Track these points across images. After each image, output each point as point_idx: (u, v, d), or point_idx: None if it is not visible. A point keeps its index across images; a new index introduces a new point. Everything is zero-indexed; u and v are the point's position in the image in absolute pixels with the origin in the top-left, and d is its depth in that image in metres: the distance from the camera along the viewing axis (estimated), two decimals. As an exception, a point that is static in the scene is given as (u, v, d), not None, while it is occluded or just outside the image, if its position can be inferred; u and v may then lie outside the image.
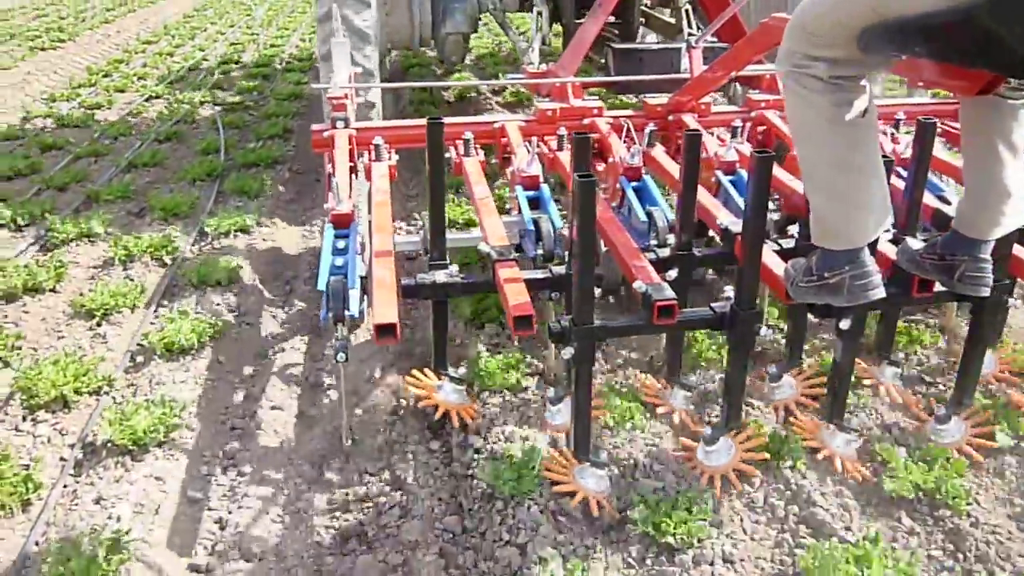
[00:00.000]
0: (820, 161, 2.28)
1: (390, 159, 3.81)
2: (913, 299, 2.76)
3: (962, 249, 2.48)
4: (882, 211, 2.32)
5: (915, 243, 2.71)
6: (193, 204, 5.47)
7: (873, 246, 2.47)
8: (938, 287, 2.71)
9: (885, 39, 2.04)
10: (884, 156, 2.39)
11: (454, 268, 2.93)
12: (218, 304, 4.11)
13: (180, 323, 3.77)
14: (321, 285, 2.85)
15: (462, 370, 3.14)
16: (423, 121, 2.88)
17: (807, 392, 3.19)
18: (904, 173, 3.14)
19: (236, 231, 4.99)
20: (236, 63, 10.84)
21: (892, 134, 3.87)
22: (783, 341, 3.42)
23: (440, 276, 2.83)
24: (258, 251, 4.80)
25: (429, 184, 2.85)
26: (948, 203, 3.33)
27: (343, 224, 3.17)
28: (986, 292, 2.50)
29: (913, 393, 3.26)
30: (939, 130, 3.89)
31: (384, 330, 2.40)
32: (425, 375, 3.13)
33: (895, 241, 2.86)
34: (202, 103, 8.52)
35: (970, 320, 2.91)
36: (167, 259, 4.64)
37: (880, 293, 2.34)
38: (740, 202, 3.34)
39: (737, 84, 5.09)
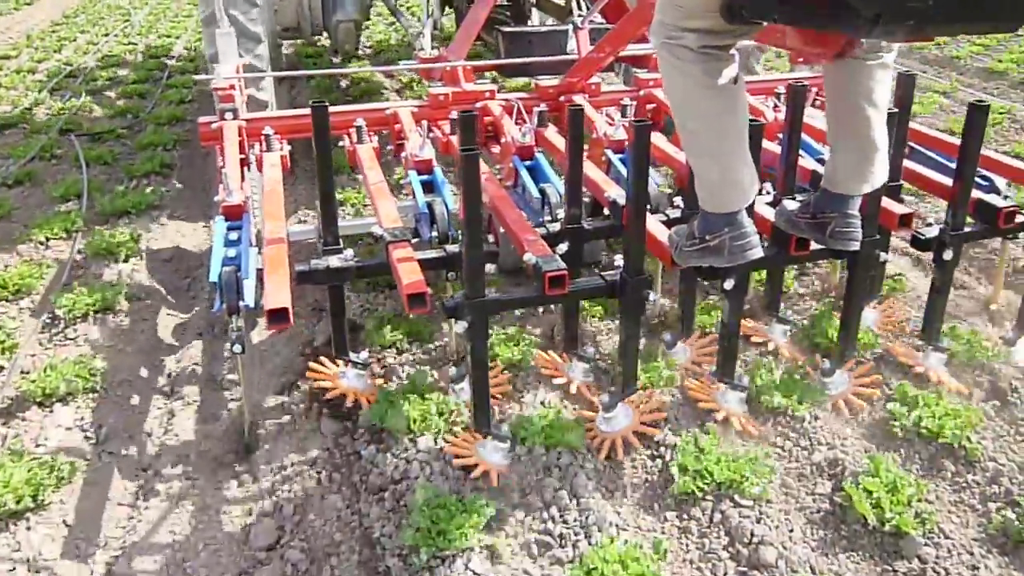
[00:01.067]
0: (697, 127, 2.37)
1: (282, 149, 3.77)
2: (792, 257, 2.89)
3: (832, 206, 2.62)
4: (753, 174, 2.42)
5: (791, 204, 2.84)
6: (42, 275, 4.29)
7: (751, 209, 2.57)
8: (814, 245, 2.85)
9: (746, 7, 2.13)
10: (753, 121, 2.50)
11: (348, 252, 2.92)
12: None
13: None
14: (213, 276, 2.81)
15: (364, 355, 3.14)
16: (321, 102, 2.86)
17: (701, 356, 3.30)
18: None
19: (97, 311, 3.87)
20: (110, 80, 8.93)
21: (775, 105, 4.04)
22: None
23: (334, 261, 2.82)
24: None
25: (317, 170, 2.83)
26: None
27: (235, 216, 3.13)
28: (856, 246, 2.64)
29: (803, 349, 3.41)
30: (815, 99, 4.10)
31: (276, 315, 2.38)
32: (326, 363, 3.12)
33: (774, 204, 2.99)
34: (64, 132, 6.86)
35: (847, 277, 3.06)
36: None
37: (758, 253, 2.45)
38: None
39: (629, 65, 5.20)
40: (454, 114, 3.95)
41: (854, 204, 2.61)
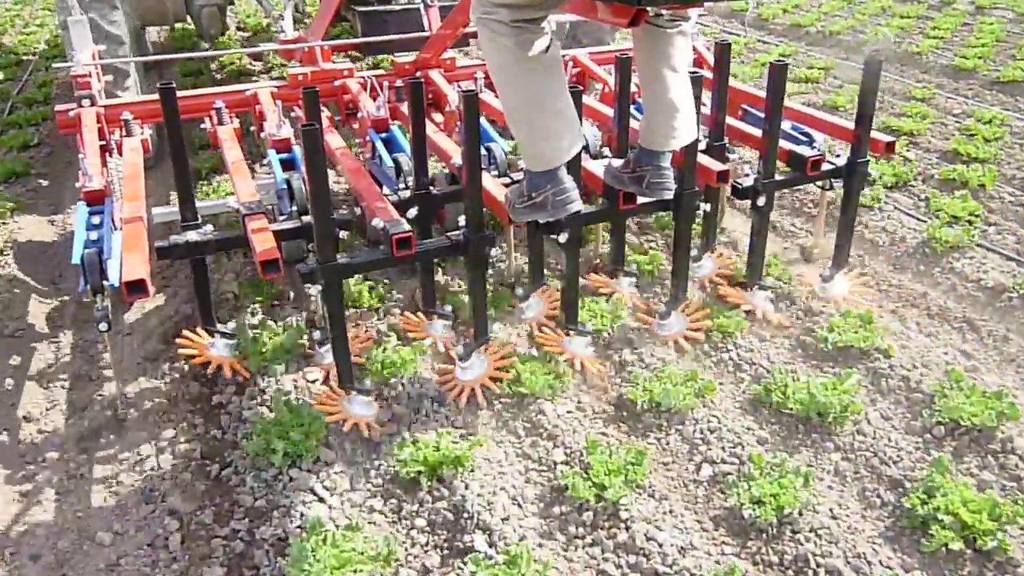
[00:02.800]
0: (514, 96, 2.61)
1: (142, 133, 3.86)
2: (621, 211, 3.19)
3: (646, 160, 2.92)
4: (573, 135, 2.69)
5: (616, 162, 3.13)
6: None
7: (576, 167, 2.84)
8: (640, 200, 3.15)
9: (546, -18, 2.38)
10: (572, 87, 2.77)
11: (208, 227, 3.07)
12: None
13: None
14: (76, 259, 2.92)
15: (232, 324, 3.29)
16: (168, 83, 2.97)
17: (552, 308, 3.59)
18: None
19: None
20: None
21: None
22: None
23: (193, 235, 2.96)
24: None
25: (170, 150, 2.96)
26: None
27: (96, 200, 3.23)
28: (668, 195, 2.96)
29: (646, 298, 3.73)
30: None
31: (134, 287, 2.52)
32: (196, 334, 3.26)
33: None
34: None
35: (673, 229, 3.39)
36: None
37: (577, 206, 2.72)
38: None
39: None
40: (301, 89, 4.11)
41: (665, 158, 2.91)
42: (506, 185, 3.22)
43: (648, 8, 2.44)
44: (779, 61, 3.24)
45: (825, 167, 3.56)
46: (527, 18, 2.52)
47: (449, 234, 2.97)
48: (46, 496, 2.83)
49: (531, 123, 2.62)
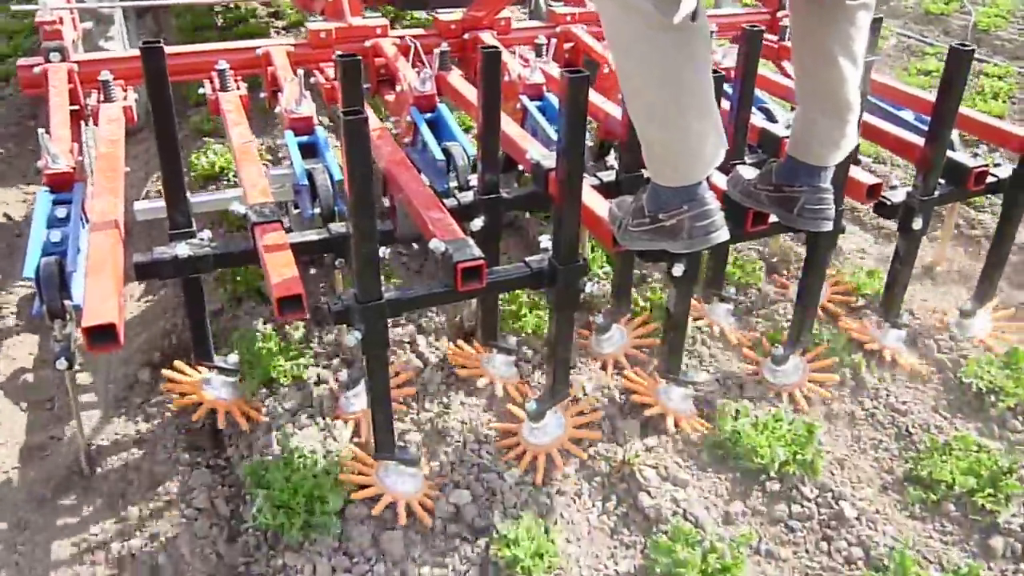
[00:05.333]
0: (646, 79, 1.84)
1: (125, 99, 3.07)
2: (747, 234, 2.44)
3: (800, 178, 2.16)
4: (719, 138, 1.93)
5: (747, 171, 2.37)
6: None
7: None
8: (773, 218, 2.40)
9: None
10: (714, 70, 2.00)
11: (205, 235, 2.30)
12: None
13: None
14: (29, 270, 2.16)
15: (233, 358, 2.54)
16: (153, 41, 2.18)
17: (639, 343, 2.85)
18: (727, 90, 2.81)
19: None
20: None
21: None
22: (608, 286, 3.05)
23: (183, 248, 2.19)
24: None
25: (156, 131, 2.18)
26: (775, 120, 3.05)
27: (62, 186, 2.47)
28: (828, 226, 2.20)
29: (748, 331, 3.00)
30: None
31: (97, 334, 1.77)
32: (186, 370, 2.52)
33: (723, 168, 2.52)
34: None
35: (806, 251, 2.64)
36: None
37: (724, 235, 1.98)
38: (550, 131, 2.90)
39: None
40: (336, 55, 3.32)
41: (826, 176, 2.16)
42: (603, 192, 2.46)
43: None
44: (962, 46, 2.46)
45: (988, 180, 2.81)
46: (671, -30, 1.75)
47: (529, 260, 2.22)
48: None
49: (667, 120, 1.85)
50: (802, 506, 2.30)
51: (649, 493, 2.29)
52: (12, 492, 2.39)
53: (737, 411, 2.49)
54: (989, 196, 3.10)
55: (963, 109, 2.95)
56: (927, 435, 2.53)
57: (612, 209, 2.19)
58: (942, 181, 2.75)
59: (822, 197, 2.15)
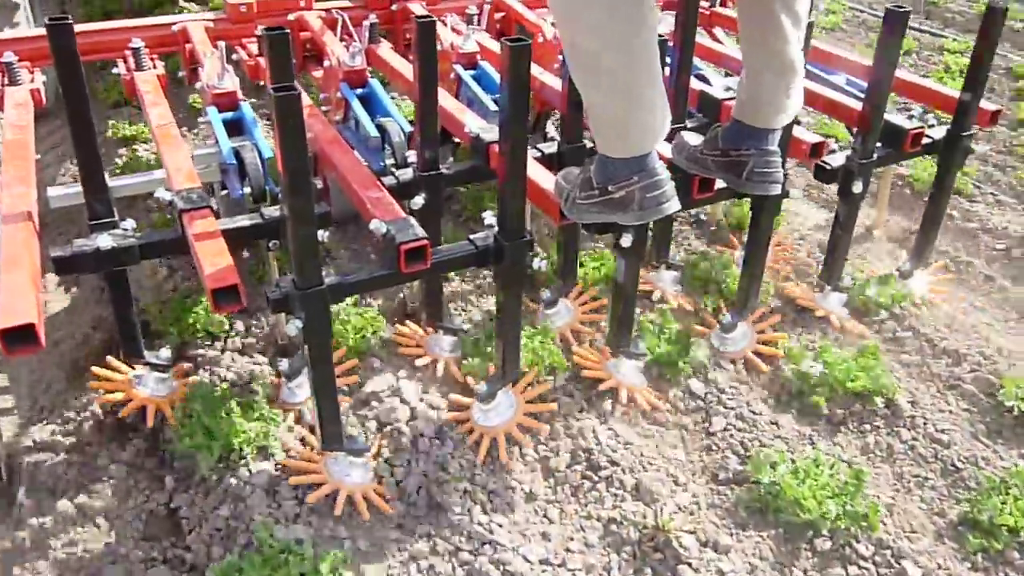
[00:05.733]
0: (593, 48, 1.78)
1: (32, 81, 2.87)
2: (695, 202, 2.41)
3: (747, 142, 2.13)
4: (664, 107, 1.88)
5: (692, 137, 2.33)
6: None
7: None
8: (719, 184, 2.37)
9: None
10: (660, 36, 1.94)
11: (128, 224, 2.16)
12: None
13: None
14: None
15: (165, 352, 2.40)
16: (60, 18, 2.02)
17: (586, 317, 2.81)
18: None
19: None
20: None
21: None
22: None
23: (105, 240, 2.05)
24: None
25: (68, 115, 2.03)
26: (710, 83, 3.02)
27: (-34, 176, 2.29)
28: (778, 190, 2.18)
29: (693, 299, 2.98)
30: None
31: (14, 336, 1.63)
32: (117, 366, 2.38)
33: (667, 137, 2.47)
34: None
35: (750, 218, 2.62)
36: None
37: (676, 205, 1.93)
38: (487, 101, 2.82)
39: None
40: (261, 29, 3.16)
41: (773, 139, 2.13)
42: (553, 171, 2.39)
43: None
44: (897, 7, 2.45)
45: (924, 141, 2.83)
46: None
47: (474, 238, 2.14)
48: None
49: (616, 85, 1.79)
50: (859, 567, 2.07)
51: (691, 565, 2.02)
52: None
53: (774, 462, 2.25)
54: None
55: (897, 72, 2.98)
56: (975, 469, 2.34)
57: (559, 182, 2.13)
58: (880, 143, 2.76)
59: (770, 160, 2.12)
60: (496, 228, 2.12)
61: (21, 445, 2.36)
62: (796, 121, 2.39)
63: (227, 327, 2.70)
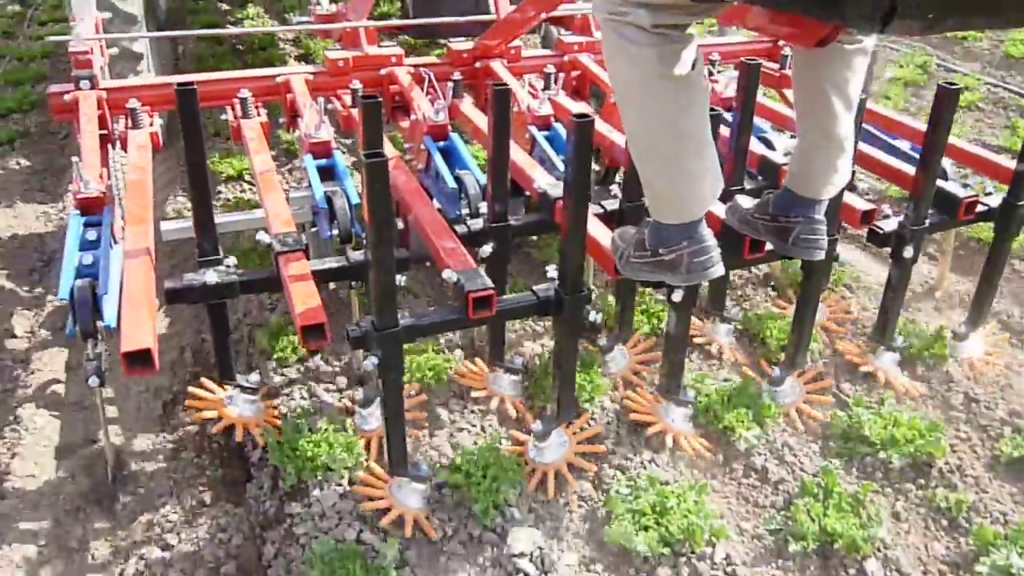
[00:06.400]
0: (647, 125, 1.97)
1: (151, 125, 3.22)
2: (745, 261, 2.56)
3: (796, 210, 2.28)
4: (715, 178, 2.05)
5: (745, 201, 2.49)
6: None
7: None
8: (770, 246, 2.52)
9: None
10: (712, 111, 2.12)
11: (231, 261, 2.44)
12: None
13: None
14: (64, 292, 2.31)
15: (255, 377, 2.67)
16: (186, 78, 2.32)
17: (641, 362, 2.97)
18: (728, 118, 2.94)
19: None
20: None
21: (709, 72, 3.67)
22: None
23: (211, 276, 2.33)
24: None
25: (188, 166, 2.32)
26: (773, 148, 3.17)
27: (93, 209, 2.61)
28: (821, 255, 2.32)
29: (747, 351, 3.12)
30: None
31: (135, 358, 1.90)
32: (210, 388, 2.65)
33: (722, 198, 2.64)
34: None
35: (802, 277, 2.76)
36: None
37: (720, 271, 2.10)
38: (556, 160, 3.04)
39: (550, 26, 4.74)
40: (356, 82, 3.47)
41: (820, 208, 2.28)
42: (612, 226, 2.59)
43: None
44: (950, 85, 2.58)
45: (979, 209, 2.93)
46: (674, 23, 1.87)
47: (536, 289, 2.34)
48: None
49: (667, 162, 1.98)
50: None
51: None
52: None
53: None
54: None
55: (956, 140, 3.08)
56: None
57: (615, 239, 2.32)
58: (933, 210, 2.87)
59: (816, 228, 2.27)
60: (557, 281, 2.31)
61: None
62: (852, 186, 2.52)
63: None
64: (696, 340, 3.12)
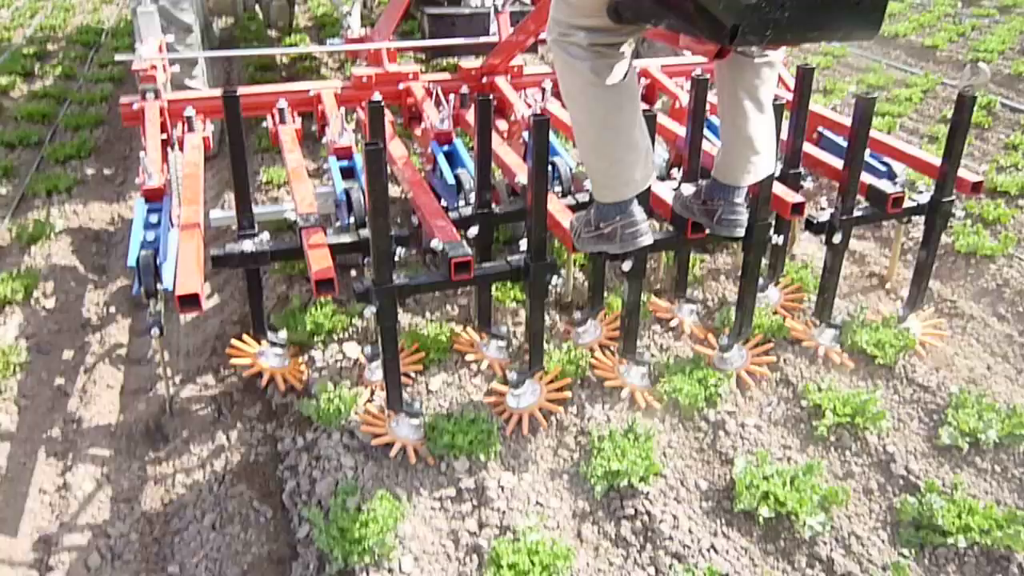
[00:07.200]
0: (587, 123, 2.49)
1: (204, 130, 3.82)
2: (688, 240, 3.05)
3: (719, 194, 2.77)
4: (646, 167, 2.56)
5: (688, 189, 2.99)
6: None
7: (644, 193, 2.70)
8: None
9: (629, 9, 2.25)
10: (647, 111, 2.64)
11: (264, 236, 3.01)
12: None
13: None
14: (132, 261, 2.89)
15: (283, 334, 3.23)
16: (232, 90, 2.91)
17: (611, 334, 3.47)
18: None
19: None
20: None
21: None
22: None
23: (248, 245, 2.90)
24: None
25: (231, 156, 2.90)
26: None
27: (155, 198, 3.20)
28: (740, 232, 2.81)
29: (707, 327, 3.59)
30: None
31: (186, 300, 2.47)
32: (246, 343, 3.21)
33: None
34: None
35: (742, 259, 3.24)
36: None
37: (647, 240, 2.60)
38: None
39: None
40: (377, 95, 4.04)
41: (739, 193, 2.77)
42: (572, 208, 3.11)
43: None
44: (866, 95, 3.05)
45: (907, 204, 3.37)
46: (606, 42, 2.39)
47: (509, 259, 2.87)
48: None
49: (602, 153, 2.50)
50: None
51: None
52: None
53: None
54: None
55: (888, 139, 3.56)
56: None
57: (572, 221, 2.83)
58: (866, 204, 3.33)
59: (736, 209, 2.76)
60: (526, 252, 2.83)
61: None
62: (799, 184, 2.98)
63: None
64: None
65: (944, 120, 6.08)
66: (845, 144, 3.74)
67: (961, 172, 3.36)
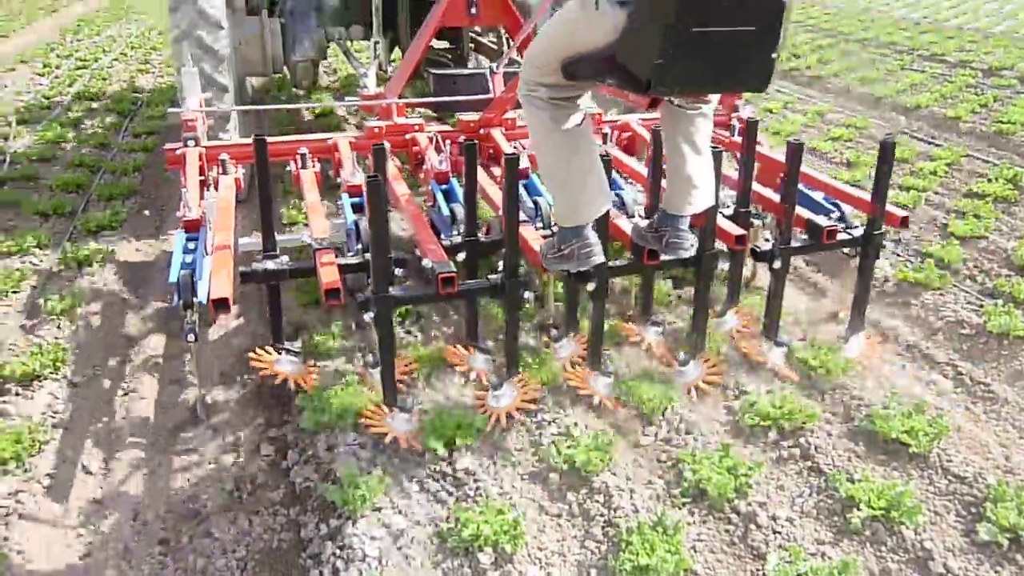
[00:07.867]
0: (549, 161, 3.04)
1: (236, 172, 4.42)
2: (645, 265, 3.57)
3: (667, 223, 3.29)
4: (600, 197, 3.08)
5: (643, 222, 3.52)
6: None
7: (603, 224, 3.23)
8: (663, 257, 3.52)
9: (578, 68, 2.82)
10: (603, 155, 3.19)
11: (284, 258, 3.56)
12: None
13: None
14: (173, 278, 3.44)
15: (297, 344, 3.77)
16: (261, 136, 3.50)
17: (585, 350, 3.96)
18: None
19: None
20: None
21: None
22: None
23: (270, 264, 3.46)
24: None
25: (259, 188, 3.48)
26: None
27: (193, 228, 3.77)
28: (685, 254, 3.33)
29: (670, 347, 4.08)
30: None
31: (219, 304, 3.01)
32: (265, 352, 3.74)
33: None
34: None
35: (695, 286, 3.74)
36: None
37: (599, 259, 3.11)
38: (526, 198, 4.10)
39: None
40: (386, 144, 4.63)
41: (683, 222, 3.28)
42: (544, 237, 3.65)
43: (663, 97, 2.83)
44: (795, 141, 3.59)
45: (843, 236, 3.87)
46: (563, 96, 2.95)
47: (489, 277, 3.39)
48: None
49: (563, 185, 3.03)
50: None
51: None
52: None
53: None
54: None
55: (825, 178, 4.09)
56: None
57: (542, 246, 3.35)
58: (805, 236, 3.84)
59: (680, 234, 3.27)
60: (502, 271, 3.36)
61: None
62: (751, 222, 3.53)
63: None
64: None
65: (971, 194, 6.26)
66: (810, 193, 4.33)
67: (890, 207, 3.86)
